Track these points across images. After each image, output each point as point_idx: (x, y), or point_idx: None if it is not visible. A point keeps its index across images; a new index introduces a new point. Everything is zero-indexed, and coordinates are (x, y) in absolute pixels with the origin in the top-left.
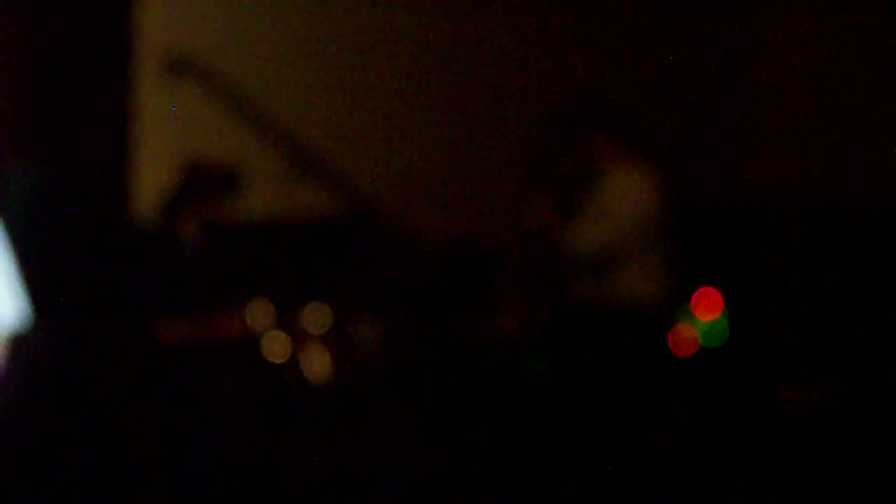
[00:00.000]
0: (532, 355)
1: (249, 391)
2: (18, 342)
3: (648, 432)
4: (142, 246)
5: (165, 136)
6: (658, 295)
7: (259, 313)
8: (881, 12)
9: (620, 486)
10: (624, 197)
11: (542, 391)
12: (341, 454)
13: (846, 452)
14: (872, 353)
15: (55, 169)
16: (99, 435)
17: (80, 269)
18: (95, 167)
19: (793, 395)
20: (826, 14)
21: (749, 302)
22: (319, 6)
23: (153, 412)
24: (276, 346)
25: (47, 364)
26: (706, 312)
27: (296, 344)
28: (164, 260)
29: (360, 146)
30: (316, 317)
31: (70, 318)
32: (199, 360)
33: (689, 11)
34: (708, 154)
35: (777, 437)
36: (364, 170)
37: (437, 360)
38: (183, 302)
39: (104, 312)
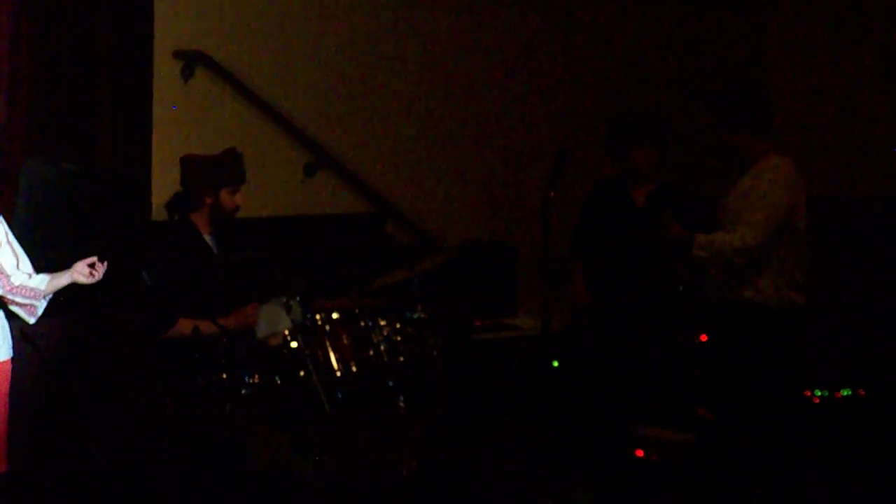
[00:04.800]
0: (550, 352)
1: (266, 386)
2: (33, 335)
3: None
4: (159, 241)
5: (183, 133)
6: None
7: (275, 309)
8: None
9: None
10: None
11: (557, 386)
12: (359, 449)
13: None
14: None
15: (75, 166)
16: (113, 430)
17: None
18: (114, 163)
19: None
20: None
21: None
22: (340, 4)
23: (170, 407)
24: (292, 341)
25: (65, 358)
26: None
27: (313, 339)
28: (181, 255)
29: (381, 144)
30: (332, 312)
31: (87, 312)
32: (216, 354)
33: None
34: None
35: None
36: (385, 167)
37: (457, 355)
38: (200, 297)
39: (121, 307)
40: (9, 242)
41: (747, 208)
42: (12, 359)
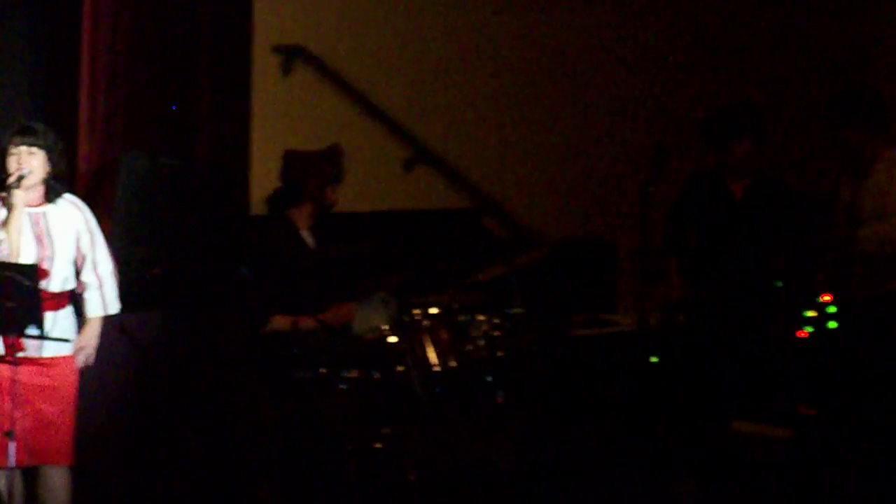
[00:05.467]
0: (648, 348)
1: (364, 381)
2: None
3: None
4: (257, 236)
5: (282, 128)
6: None
7: (374, 304)
8: None
9: None
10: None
11: (655, 382)
12: (457, 444)
13: None
14: None
15: (174, 160)
16: (211, 425)
17: (198, 258)
18: (213, 158)
19: None
20: None
21: None
22: (439, 2)
23: (268, 402)
24: (390, 337)
25: (163, 352)
26: None
27: (411, 334)
28: (280, 250)
29: (480, 139)
30: (431, 307)
31: (185, 307)
32: (315, 349)
33: None
34: None
35: None
36: (483, 162)
37: (554, 350)
38: (298, 292)
39: (219, 302)
40: (89, 231)
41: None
42: (111, 352)
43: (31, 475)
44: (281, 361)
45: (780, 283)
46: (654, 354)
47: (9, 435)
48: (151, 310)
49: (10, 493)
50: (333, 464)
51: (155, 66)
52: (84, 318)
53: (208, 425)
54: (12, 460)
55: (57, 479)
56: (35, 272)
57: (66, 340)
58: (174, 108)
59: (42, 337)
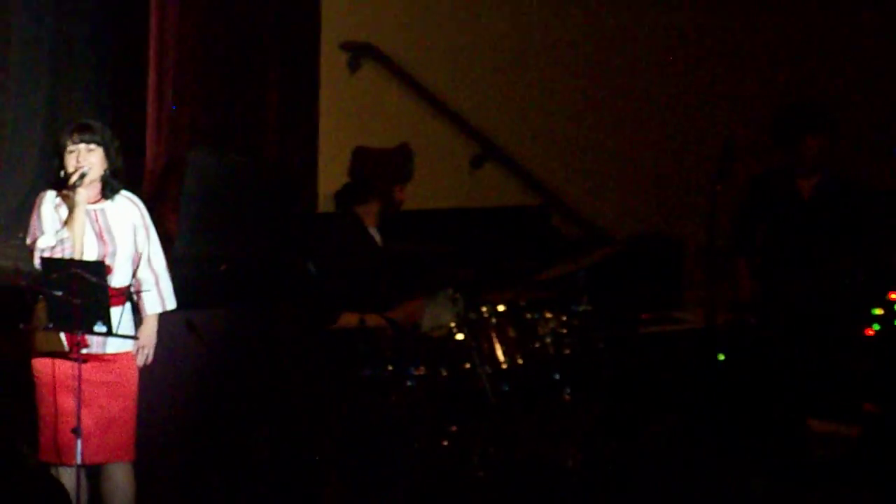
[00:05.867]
0: (715, 346)
1: (432, 378)
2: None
3: None
4: (324, 233)
5: (349, 125)
6: None
7: (441, 301)
8: None
9: None
10: None
11: (722, 380)
12: (525, 441)
13: None
14: None
15: (242, 156)
16: (279, 422)
17: (265, 255)
18: (281, 154)
19: None
20: None
21: None
22: None
23: (335, 399)
24: (458, 334)
25: (229, 348)
26: None
27: (479, 331)
28: (348, 248)
29: (548, 136)
30: (499, 305)
31: (252, 303)
32: (382, 346)
33: None
34: None
35: None
36: (551, 159)
37: (622, 347)
38: (365, 289)
39: (286, 299)
40: (145, 226)
41: None
42: (177, 349)
43: (94, 472)
44: (348, 359)
45: (848, 281)
46: (721, 352)
47: (75, 432)
48: (218, 307)
49: (77, 491)
50: (400, 461)
51: (222, 64)
52: (139, 315)
53: (274, 423)
54: (79, 458)
55: (122, 476)
56: (102, 269)
57: (133, 337)
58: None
59: (110, 333)
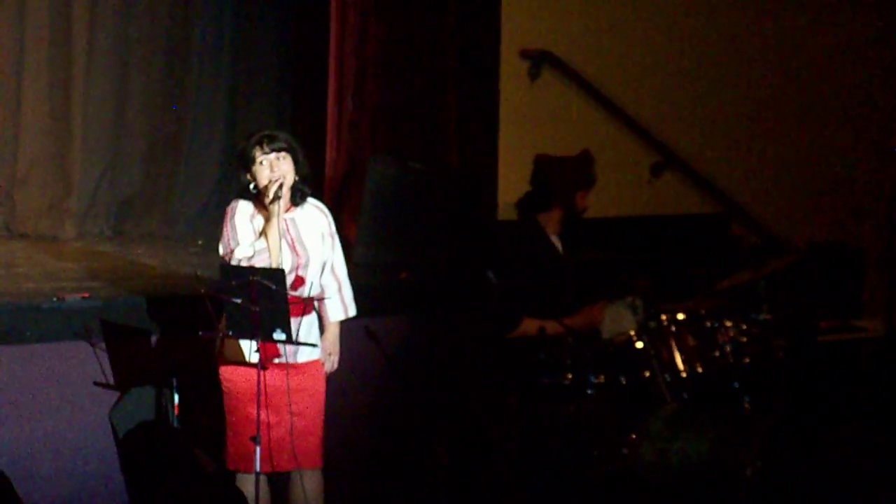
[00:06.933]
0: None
1: (611, 386)
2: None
3: None
4: (505, 241)
5: (529, 132)
6: None
7: (621, 311)
8: None
9: None
10: None
11: None
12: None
13: None
14: None
15: (422, 164)
16: (458, 430)
17: (446, 262)
18: (461, 162)
19: None
20: None
21: None
22: (686, 5)
23: (515, 407)
24: (637, 342)
25: (410, 356)
26: None
27: (658, 339)
28: (528, 255)
29: (727, 144)
30: (678, 313)
31: (433, 311)
32: (562, 354)
33: None
34: None
35: None
36: (731, 167)
37: (802, 356)
38: (546, 297)
39: (467, 307)
40: (331, 234)
41: None
42: (357, 357)
43: (281, 479)
44: (528, 366)
45: None
46: None
47: (254, 440)
48: (398, 314)
49: (257, 499)
50: (581, 470)
51: (402, 72)
52: (322, 323)
53: (455, 430)
54: (258, 465)
55: (311, 483)
56: (283, 276)
57: (314, 345)
58: (421, 113)
59: (289, 341)
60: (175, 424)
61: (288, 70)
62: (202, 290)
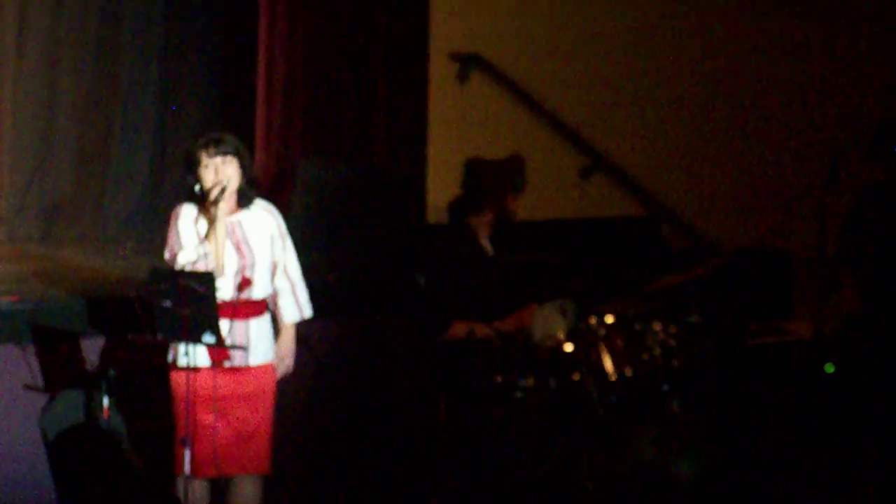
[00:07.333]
0: (824, 358)
1: (540, 389)
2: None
3: None
4: (434, 244)
5: (459, 136)
6: None
7: (551, 314)
8: None
9: None
10: None
11: (833, 392)
12: (630, 452)
13: None
14: None
15: (351, 166)
16: (387, 432)
17: (375, 265)
18: (390, 165)
19: None
20: None
21: None
22: (615, 7)
23: (443, 410)
24: (567, 344)
25: (340, 359)
26: None
27: (588, 342)
28: (457, 258)
29: (656, 147)
30: (607, 316)
31: (362, 314)
32: (491, 357)
33: None
34: None
35: None
36: (660, 170)
37: (731, 359)
38: (475, 300)
39: (396, 310)
40: (281, 235)
41: None
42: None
43: (223, 484)
44: (457, 369)
45: None
46: (830, 364)
47: (183, 442)
48: (327, 317)
49: (188, 500)
50: (509, 473)
51: (331, 74)
52: (278, 325)
53: (384, 434)
54: (187, 468)
55: (250, 488)
56: (212, 279)
57: (242, 348)
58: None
59: (219, 345)
60: (105, 427)
61: (218, 72)
62: (131, 294)
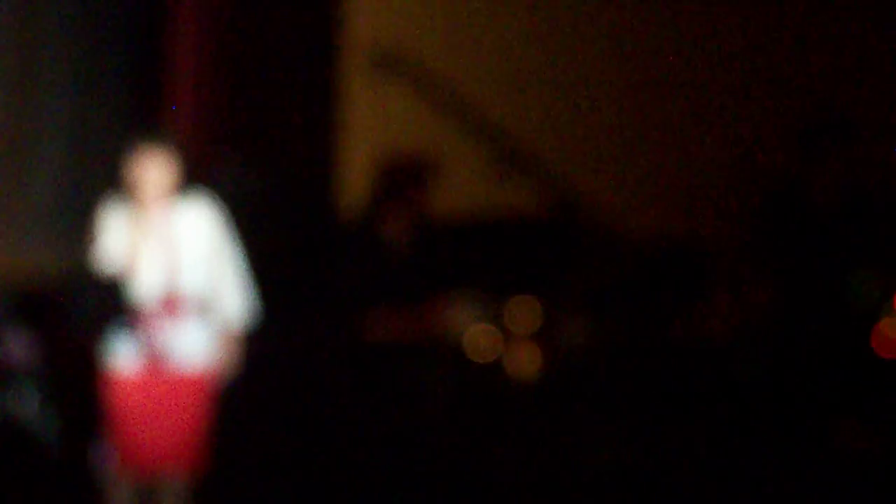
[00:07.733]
0: (740, 354)
1: (454, 387)
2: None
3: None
4: (347, 241)
5: (371, 132)
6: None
7: (465, 309)
8: None
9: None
10: None
11: (750, 390)
12: (546, 451)
13: None
14: None
15: (260, 166)
16: (309, 428)
17: (287, 264)
18: (300, 164)
19: None
20: None
21: None
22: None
23: (360, 407)
24: (482, 343)
25: (258, 360)
26: None
27: (502, 341)
28: (370, 255)
29: (571, 143)
30: (523, 313)
31: (278, 313)
32: (405, 355)
33: None
34: None
35: None
36: (574, 166)
37: (643, 358)
38: (388, 297)
39: (310, 308)
40: (218, 234)
41: None
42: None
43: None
44: (374, 366)
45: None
46: (746, 359)
47: (113, 446)
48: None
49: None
50: (427, 467)
51: (242, 71)
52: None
53: (302, 431)
54: (115, 468)
55: (178, 490)
56: (125, 282)
57: (171, 349)
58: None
59: (147, 347)
60: (28, 424)
61: (125, 74)
62: (48, 294)
